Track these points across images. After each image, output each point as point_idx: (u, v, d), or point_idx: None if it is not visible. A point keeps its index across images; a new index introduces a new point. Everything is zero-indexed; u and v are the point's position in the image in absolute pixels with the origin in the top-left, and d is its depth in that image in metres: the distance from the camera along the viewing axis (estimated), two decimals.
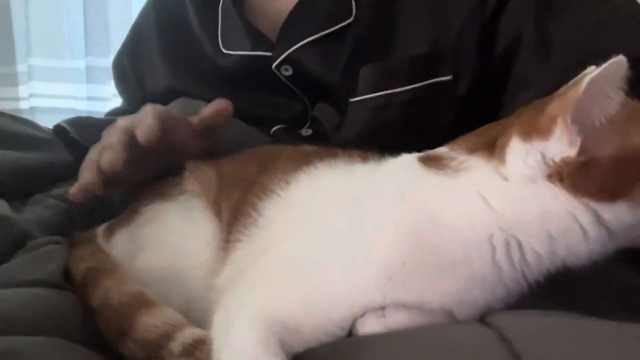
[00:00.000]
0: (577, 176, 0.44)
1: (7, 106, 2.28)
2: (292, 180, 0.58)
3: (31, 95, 2.26)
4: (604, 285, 0.53)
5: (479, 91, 0.78)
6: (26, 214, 0.64)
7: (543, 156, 0.44)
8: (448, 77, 0.77)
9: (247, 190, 0.60)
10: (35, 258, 0.55)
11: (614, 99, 0.43)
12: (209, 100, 0.88)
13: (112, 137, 0.63)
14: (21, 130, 0.77)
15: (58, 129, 0.85)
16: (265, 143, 0.82)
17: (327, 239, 0.50)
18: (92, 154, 0.65)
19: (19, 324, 0.45)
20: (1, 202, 0.61)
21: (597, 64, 0.43)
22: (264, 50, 0.84)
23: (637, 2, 0.75)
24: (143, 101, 0.96)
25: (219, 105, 0.72)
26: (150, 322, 0.49)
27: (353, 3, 0.80)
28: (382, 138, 0.78)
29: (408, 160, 0.53)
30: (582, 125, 0.43)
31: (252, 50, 0.85)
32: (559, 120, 0.43)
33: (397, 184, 0.51)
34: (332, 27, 0.80)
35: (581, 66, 0.49)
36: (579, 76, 0.48)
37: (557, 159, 0.44)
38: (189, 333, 0.47)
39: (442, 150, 0.52)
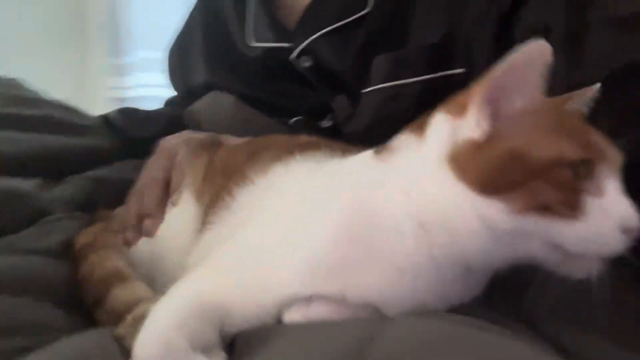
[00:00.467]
0: (467, 160, 0.41)
1: (115, 95, 2.57)
2: (269, 169, 0.60)
3: (137, 85, 2.50)
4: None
5: None
6: (54, 193, 0.73)
7: (454, 135, 0.42)
8: (460, 70, 0.73)
9: (229, 177, 0.62)
10: (41, 230, 0.63)
11: (533, 85, 0.41)
12: (239, 92, 0.94)
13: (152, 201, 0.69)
14: (65, 117, 0.87)
15: (107, 117, 0.95)
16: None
17: (274, 229, 0.51)
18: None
19: (7, 284, 0.52)
20: (25, 180, 0.69)
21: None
22: (285, 42, 0.86)
23: None
24: (188, 94, 1.04)
25: None
26: (119, 295, 0.55)
27: None
28: (389, 130, 0.76)
29: (367, 153, 0.52)
30: (496, 108, 0.41)
31: (274, 42, 0.87)
32: (473, 99, 0.41)
33: (344, 177, 0.51)
34: (348, 17, 0.80)
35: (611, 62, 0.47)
36: None
37: (462, 139, 0.42)
38: (145, 307, 0.51)
39: (397, 136, 0.50)
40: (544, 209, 0.39)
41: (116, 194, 0.77)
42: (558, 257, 0.41)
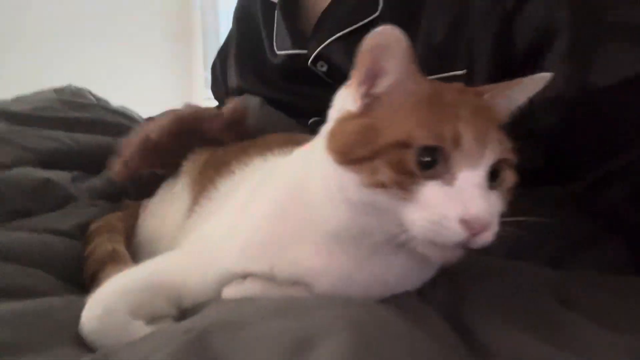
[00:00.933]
0: (335, 132, 0.44)
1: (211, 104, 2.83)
2: (249, 163, 0.64)
3: None
4: None
5: None
6: (86, 183, 0.83)
7: (341, 110, 0.45)
8: (462, 72, 0.73)
9: (218, 170, 0.67)
10: (63, 214, 0.72)
11: (396, 68, 0.42)
12: (264, 95, 1.00)
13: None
14: (114, 120, 0.99)
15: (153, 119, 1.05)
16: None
17: (230, 216, 0.55)
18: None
19: (19, 255, 0.61)
20: (61, 172, 0.80)
21: None
22: (302, 48, 0.90)
23: None
24: (225, 97, 1.12)
25: (235, 104, 0.82)
26: (111, 273, 0.61)
27: None
28: None
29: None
30: (370, 85, 0.43)
31: (292, 49, 0.92)
32: (355, 72, 0.43)
33: (288, 165, 0.54)
34: (359, 22, 0.82)
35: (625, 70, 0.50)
36: None
37: (342, 112, 0.44)
38: None
39: None
40: (382, 186, 0.40)
41: (143, 186, 0.86)
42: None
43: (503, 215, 0.43)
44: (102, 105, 1.08)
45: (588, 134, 0.62)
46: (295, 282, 0.47)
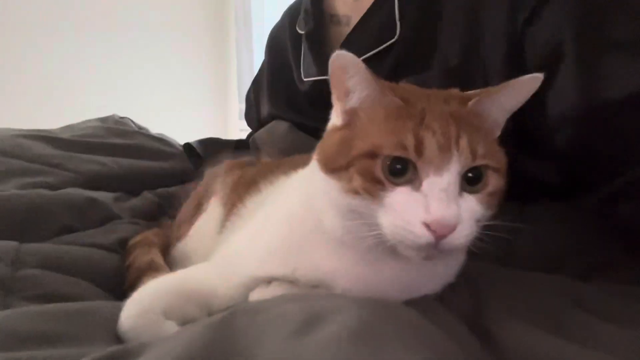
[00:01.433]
0: (323, 142, 0.48)
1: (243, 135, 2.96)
2: (275, 180, 0.68)
3: None
4: None
5: None
6: (127, 203, 0.89)
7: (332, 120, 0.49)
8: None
9: (247, 188, 0.72)
10: (106, 230, 0.78)
11: (359, 86, 0.46)
12: (293, 120, 1.05)
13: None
14: (153, 145, 1.06)
15: (189, 145, 1.12)
16: None
17: (255, 229, 0.59)
18: None
19: (67, 267, 0.66)
20: (106, 193, 0.87)
21: None
22: (326, 74, 0.95)
23: None
24: (258, 124, 1.18)
25: None
26: (149, 281, 0.66)
27: (398, 23, 0.85)
28: None
29: None
30: (347, 100, 0.47)
31: (318, 75, 0.97)
32: (333, 90, 0.48)
33: (304, 180, 0.57)
34: (378, 47, 0.86)
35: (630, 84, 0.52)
36: None
37: (330, 126, 0.49)
38: None
39: None
40: (357, 193, 0.43)
41: (179, 207, 0.91)
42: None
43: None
44: (142, 133, 1.16)
45: (600, 149, 0.63)
46: (316, 285, 0.50)
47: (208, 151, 1.13)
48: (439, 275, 0.52)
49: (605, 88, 0.60)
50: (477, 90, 0.50)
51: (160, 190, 0.96)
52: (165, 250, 0.79)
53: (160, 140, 1.12)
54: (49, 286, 0.61)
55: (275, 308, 0.39)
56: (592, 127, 0.62)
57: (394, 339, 0.34)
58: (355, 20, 0.93)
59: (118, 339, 0.50)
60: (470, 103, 0.47)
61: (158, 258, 0.71)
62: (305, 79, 1.01)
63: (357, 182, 0.44)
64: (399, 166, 0.43)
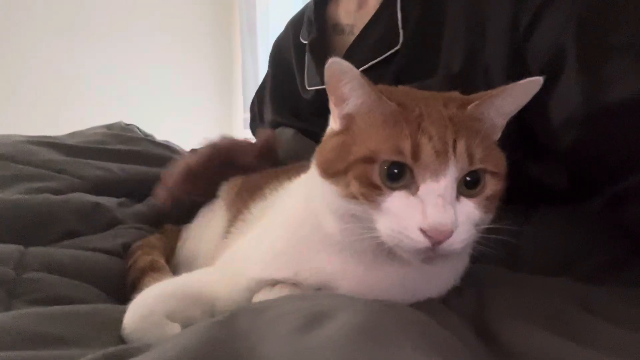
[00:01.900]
0: (321, 147, 0.48)
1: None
2: (279, 186, 0.69)
3: None
4: None
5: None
6: (132, 208, 0.90)
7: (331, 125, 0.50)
8: None
9: (252, 194, 0.72)
10: (111, 234, 0.79)
11: (354, 92, 0.46)
12: (297, 127, 1.06)
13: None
14: (159, 152, 1.06)
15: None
16: None
17: (259, 234, 0.59)
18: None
19: (71, 271, 0.67)
20: (110, 198, 0.87)
21: None
22: None
23: None
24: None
25: (267, 135, 0.88)
26: (150, 282, 0.66)
27: (401, 31, 0.86)
28: None
29: None
30: (344, 106, 0.47)
31: (321, 84, 0.98)
32: (330, 96, 0.48)
33: (305, 185, 0.58)
34: (381, 56, 0.87)
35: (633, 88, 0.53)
36: None
37: (328, 131, 0.49)
38: None
39: None
40: (354, 197, 0.44)
41: (184, 212, 0.92)
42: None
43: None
44: (148, 139, 1.17)
45: (605, 152, 0.63)
46: (319, 288, 0.50)
47: None
48: (443, 278, 0.52)
49: (609, 91, 0.60)
50: (478, 94, 0.50)
51: None
52: (170, 254, 0.79)
53: (166, 147, 1.13)
54: (53, 289, 0.61)
55: (279, 307, 0.39)
56: (596, 131, 0.62)
57: (400, 336, 0.34)
58: (358, 29, 0.94)
59: (122, 341, 0.50)
60: (469, 107, 0.47)
61: (159, 258, 0.72)
62: (308, 88, 1.02)
63: (355, 186, 0.44)
64: (396, 171, 0.44)
